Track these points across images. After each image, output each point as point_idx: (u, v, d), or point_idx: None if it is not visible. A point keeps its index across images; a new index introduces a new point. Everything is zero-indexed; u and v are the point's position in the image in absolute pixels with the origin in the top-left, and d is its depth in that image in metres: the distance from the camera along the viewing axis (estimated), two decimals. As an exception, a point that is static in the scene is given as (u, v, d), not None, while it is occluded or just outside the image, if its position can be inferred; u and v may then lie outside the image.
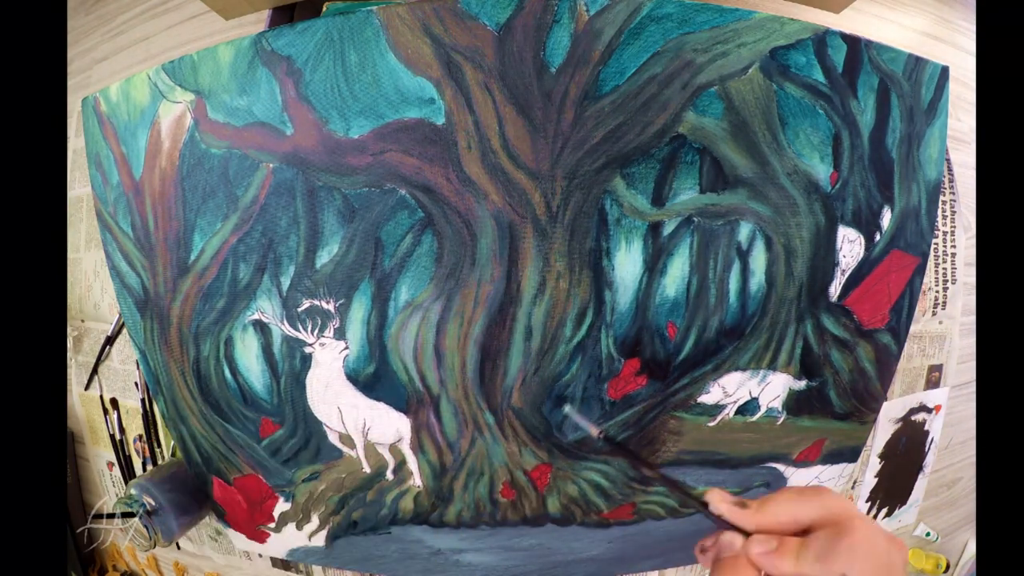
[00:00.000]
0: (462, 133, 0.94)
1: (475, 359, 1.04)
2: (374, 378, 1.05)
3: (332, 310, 1.02)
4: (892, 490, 1.45)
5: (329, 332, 1.03)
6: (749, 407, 1.14)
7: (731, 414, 1.14)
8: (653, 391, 1.09)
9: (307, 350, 1.05)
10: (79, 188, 1.28)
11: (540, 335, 1.03)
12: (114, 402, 1.35)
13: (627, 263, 1.01)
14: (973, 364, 1.43)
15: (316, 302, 1.02)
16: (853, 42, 1.02)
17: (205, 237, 1.03)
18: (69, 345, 1.37)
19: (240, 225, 1.01)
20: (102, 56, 1.30)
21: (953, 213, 1.32)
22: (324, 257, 1.00)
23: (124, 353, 1.31)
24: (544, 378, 1.05)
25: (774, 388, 1.13)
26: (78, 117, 1.17)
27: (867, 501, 1.43)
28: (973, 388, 1.45)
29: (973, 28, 1.31)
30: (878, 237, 1.11)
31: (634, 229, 1.00)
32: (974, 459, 1.53)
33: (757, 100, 0.99)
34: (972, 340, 1.41)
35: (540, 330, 1.03)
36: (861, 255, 1.10)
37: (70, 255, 1.31)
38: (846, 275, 1.10)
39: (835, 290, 1.11)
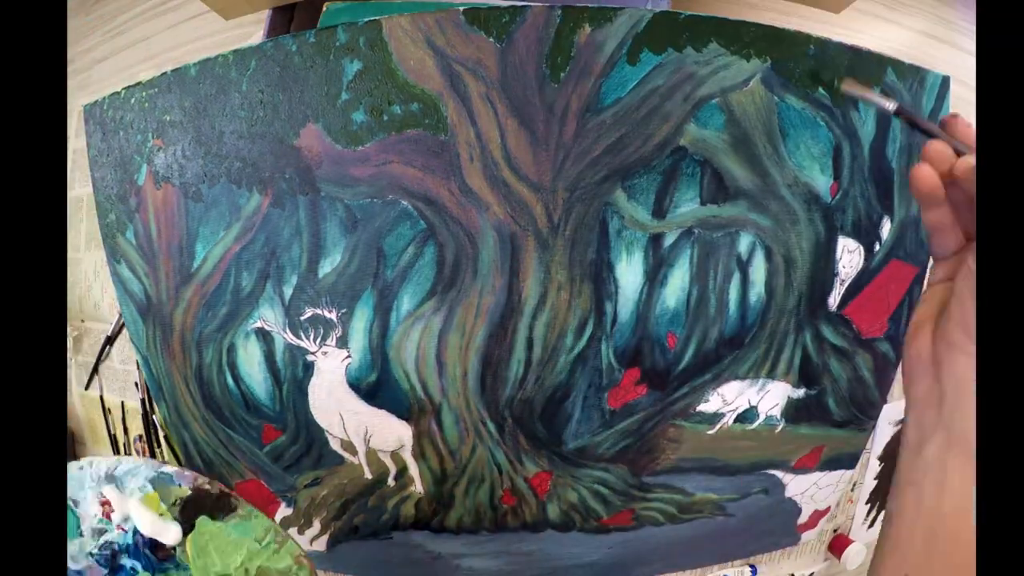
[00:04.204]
0: (464, 145, 0.94)
1: (476, 369, 1.04)
2: (376, 386, 1.06)
3: (334, 319, 1.02)
4: (891, 492, 1.46)
5: (331, 341, 1.04)
6: (748, 415, 1.15)
7: (730, 422, 1.14)
8: (653, 400, 1.09)
9: (309, 358, 1.05)
10: (79, 188, 1.27)
11: (541, 346, 1.03)
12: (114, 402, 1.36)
13: (628, 274, 1.02)
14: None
15: (318, 311, 1.02)
16: (855, 53, 1.02)
17: (208, 245, 1.03)
18: (69, 345, 1.37)
19: (243, 234, 1.01)
20: (102, 56, 1.29)
21: (952, 215, 1.32)
22: (326, 267, 1.00)
23: (124, 353, 1.31)
24: (545, 388, 1.06)
25: (773, 397, 1.14)
26: (78, 117, 1.17)
27: (867, 503, 1.44)
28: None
29: (973, 28, 1.31)
30: (877, 247, 1.11)
31: (635, 241, 1.00)
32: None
33: (758, 112, 0.99)
34: (971, 340, 1.41)
35: (541, 341, 1.03)
36: (860, 265, 1.11)
37: (70, 255, 1.30)
38: (845, 285, 1.11)
39: (834, 300, 1.11)
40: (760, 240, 1.04)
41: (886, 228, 1.11)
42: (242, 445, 1.15)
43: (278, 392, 1.09)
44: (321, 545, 1.24)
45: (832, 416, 1.21)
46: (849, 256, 1.10)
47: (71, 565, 1.05)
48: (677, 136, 0.97)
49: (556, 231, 0.98)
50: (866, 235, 1.10)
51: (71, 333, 1.36)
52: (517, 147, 0.95)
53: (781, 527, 1.33)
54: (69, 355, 1.38)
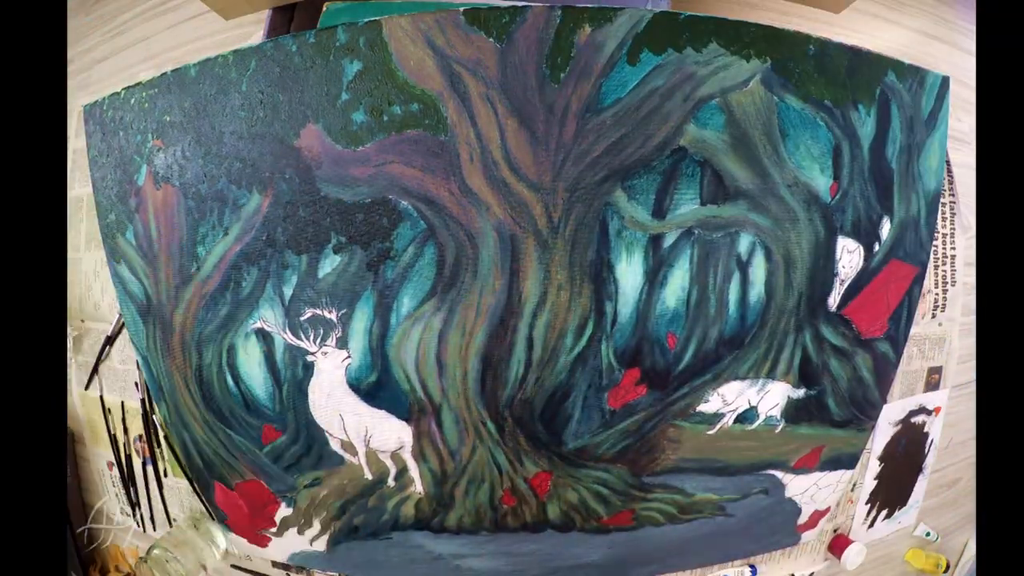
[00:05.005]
0: (464, 145, 0.94)
1: (476, 369, 1.04)
2: (376, 387, 1.06)
3: (334, 320, 1.02)
4: (892, 492, 1.46)
5: (331, 341, 1.04)
6: (748, 415, 1.15)
7: (730, 422, 1.14)
8: (653, 400, 1.09)
9: (309, 359, 1.05)
10: (79, 188, 1.28)
11: (541, 346, 1.03)
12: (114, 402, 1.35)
13: (628, 274, 1.02)
14: (973, 364, 1.44)
15: (318, 311, 1.02)
16: (854, 53, 1.02)
17: (208, 246, 1.03)
18: (69, 345, 1.37)
19: (243, 234, 1.01)
20: (102, 56, 1.30)
21: (953, 215, 1.32)
22: (327, 267, 1.00)
23: (124, 353, 1.31)
24: (545, 388, 1.06)
25: (773, 397, 1.14)
26: (78, 117, 1.17)
27: (867, 503, 1.44)
28: (973, 388, 1.46)
29: (973, 28, 1.31)
30: (877, 247, 1.11)
31: (635, 241, 1.00)
32: (974, 459, 1.54)
33: (758, 112, 0.99)
34: (972, 340, 1.41)
35: (541, 341, 1.03)
36: (860, 265, 1.11)
37: (70, 255, 1.31)
38: (845, 285, 1.11)
39: (834, 300, 1.11)
40: (760, 240, 1.04)
41: (886, 228, 1.11)
42: (242, 445, 1.15)
43: (278, 392, 1.09)
44: (321, 545, 1.24)
45: (832, 416, 1.21)
46: (849, 256, 1.10)
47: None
48: (677, 136, 0.97)
49: (556, 231, 0.98)
50: (866, 235, 1.10)
51: (71, 333, 1.36)
52: (517, 147, 0.95)
53: (781, 527, 1.33)
54: (69, 355, 1.38)
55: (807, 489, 1.29)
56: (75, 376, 1.39)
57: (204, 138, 1.00)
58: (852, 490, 1.41)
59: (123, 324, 1.22)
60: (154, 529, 1.40)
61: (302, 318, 1.03)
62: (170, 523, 1.38)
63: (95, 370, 1.35)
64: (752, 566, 1.39)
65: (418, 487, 1.14)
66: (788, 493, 1.27)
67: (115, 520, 1.45)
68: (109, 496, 1.44)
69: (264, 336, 1.06)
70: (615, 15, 0.92)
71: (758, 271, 1.06)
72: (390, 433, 1.09)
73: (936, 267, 1.32)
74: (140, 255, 1.07)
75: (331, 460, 1.13)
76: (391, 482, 1.14)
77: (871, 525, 1.47)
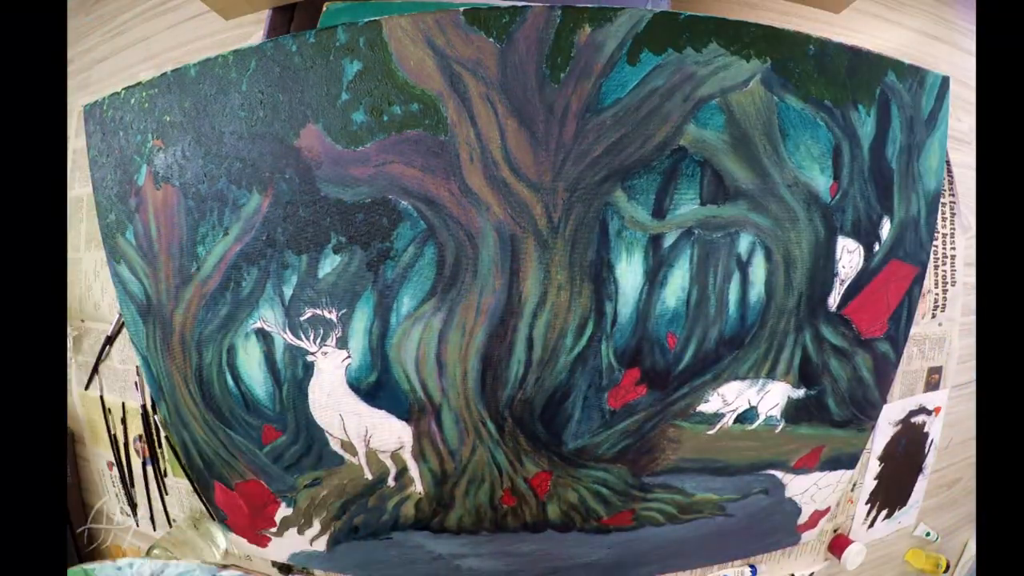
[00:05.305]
0: (464, 145, 0.94)
1: (476, 369, 1.04)
2: (376, 387, 1.06)
3: (334, 319, 1.02)
4: (892, 492, 1.46)
5: (331, 341, 1.03)
6: (748, 415, 1.15)
7: (730, 422, 1.14)
8: (653, 400, 1.09)
9: (309, 359, 1.05)
10: (79, 188, 1.27)
11: (541, 346, 1.03)
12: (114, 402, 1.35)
13: (628, 275, 1.02)
14: (973, 364, 1.43)
15: (318, 311, 1.02)
16: (854, 53, 1.02)
17: (208, 245, 1.03)
18: (69, 345, 1.36)
19: (243, 234, 1.01)
20: (102, 56, 1.30)
21: (953, 215, 1.32)
22: (327, 267, 1.00)
23: (124, 353, 1.31)
24: (545, 388, 1.06)
25: (773, 397, 1.14)
26: (78, 117, 1.17)
27: (867, 503, 1.44)
28: (973, 388, 1.46)
29: (973, 28, 1.31)
30: (877, 247, 1.11)
31: (635, 241, 1.00)
32: (974, 459, 1.53)
33: (758, 112, 0.99)
34: (972, 340, 1.41)
35: (541, 341, 1.03)
36: (860, 265, 1.11)
37: (70, 255, 1.31)
38: (845, 285, 1.11)
39: (834, 300, 1.11)
40: (760, 240, 1.04)
41: (885, 228, 1.11)
42: (242, 445, 1.15)
43: (278, 392, 1.09)
44: (321, 545, 1.24)
45: (832, 416, 1.21)
46: (849, 256, 1.10)
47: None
48: (677, 136, 0.97)
49: (556, 231, 0.98)
50: (866, 235, 1.10)
51: (71, 333, 1.35)
52: (517, 147, 0.95)
53: (781, 527, 1.33)
54: (69, 355, 1.37)
55: (807, 489, 1.29)
56: (75, 376, 1.39)
57: (204, 138, 1.00)
58: (852, 490, 1.41)
59: (123, 324, 1.22)
60: (154, 529, 1.40)
61: (302, 318, 1.03)
62: (170, 523, 1.37)
63: (95, 370, 1.35)
64: (752, 566, 1.39)
65: (418, 487, 1.14)
66: (788, 493, 1.27)
67: (115, 520, 1.45)
68: (109, 496, 1.44)
69: (264, 336, 1.06)
70: (615, 15, 0.92)
71: (758, 271, 1.06)
72: (390, 433, 1.09)
73: (936, 267, 1.32)
74: (140, 255, 1.07)
75: (331, 460, 1.13)
76: (391, 482, 1.14)
77: (871, 525, 1.47)
